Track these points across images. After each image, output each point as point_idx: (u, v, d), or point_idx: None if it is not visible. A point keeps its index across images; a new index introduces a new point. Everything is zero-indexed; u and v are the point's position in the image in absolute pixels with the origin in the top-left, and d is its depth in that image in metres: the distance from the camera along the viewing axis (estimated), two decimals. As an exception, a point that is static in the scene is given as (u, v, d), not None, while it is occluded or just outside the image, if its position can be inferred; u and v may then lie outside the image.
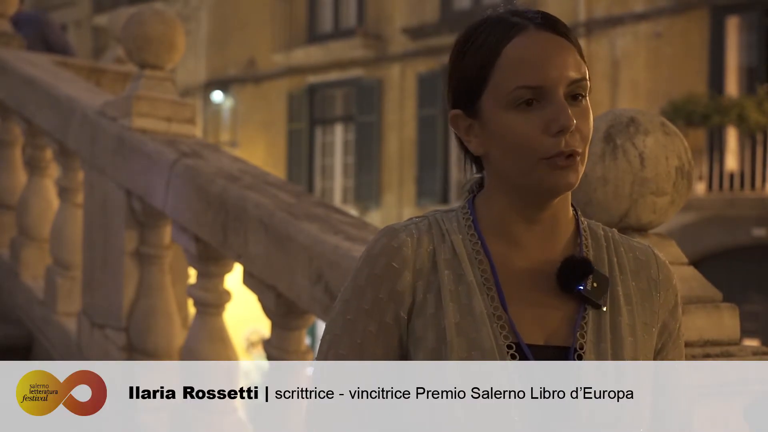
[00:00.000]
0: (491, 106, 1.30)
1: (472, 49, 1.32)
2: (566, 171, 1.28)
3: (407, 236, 1.34)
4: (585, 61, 1.32)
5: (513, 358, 1.28)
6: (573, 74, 1.29)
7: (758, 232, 12.19)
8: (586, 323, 1.32)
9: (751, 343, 10.43)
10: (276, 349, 2.81)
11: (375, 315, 1.32)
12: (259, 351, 13.53)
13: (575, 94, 1.29)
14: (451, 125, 1.37)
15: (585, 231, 1.38)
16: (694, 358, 1.96)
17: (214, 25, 19.23)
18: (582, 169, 1.30)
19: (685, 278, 2.08)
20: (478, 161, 1.39)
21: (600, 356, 1.31)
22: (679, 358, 1.42)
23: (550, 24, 1.31)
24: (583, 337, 1.31)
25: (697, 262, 11.13)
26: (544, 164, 1.28)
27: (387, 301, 1.32)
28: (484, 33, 1.32)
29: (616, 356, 1.32)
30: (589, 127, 1.30)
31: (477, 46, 1.32)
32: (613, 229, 1.44)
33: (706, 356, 2.00)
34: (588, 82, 1.31)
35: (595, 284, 1.33)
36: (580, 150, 1.28)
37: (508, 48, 1.29)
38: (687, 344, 1.48)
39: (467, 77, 1.33)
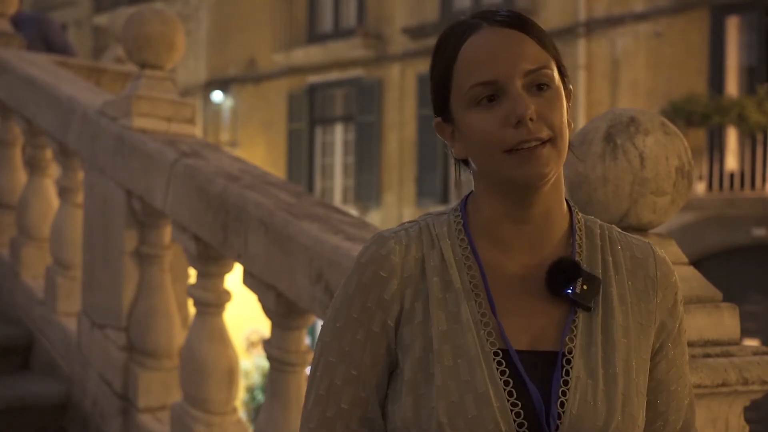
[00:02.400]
0: (457, 108, 1.31)
1: (438, 56, 1.35)
2: (534, 161, 1.26)
3: (395, 244, 1.33)
4: (553, 50, 1.31)
5: (499, 365, 1.27)
6: (527, 65, 1.27)
7: (758, 232, 12.19)
8: (576, 327, 1.30)
9: (751, 343, 10.43)
10: (276, 348, 2.81)
11: (363, 323, 1.32)
12: (259, 351, 13.53)
13: (539, 83, 1.28)
14: (437, 133, 1.38)
15: (580, 230, 1.36)
16: (694, 358, 1.96)
17: (214, 25, 19.22)
18: (558, 161, 1.28)
19: (685, 278, 2.08)
20: (467, 165, 1.38)
21: (590, 360, 1.29)
22: (681, 356, 1.40)
23: (505, 19, 1.30)
24: (572, 341, 1.29)
25: (697, 262, 11.13)
26: (510, 157, 1.26)
27: (375, 309, 1.32)
28: (446, 39, 1.34)
29: (607, 359, 1.29)
30: (559, 115, 1.28)
31: (440, 52, 1.34)
32: (612, 225, 1.41)
33: (706, 356, 1.99)
34: (551, 71, 1.29)
35: (585, 287, 1.30)
36: (545, 137, 1.26)
37: (463, 49, 1.30)
38: (687, 344, 1.46)
39: (437, 84, 1.35)
